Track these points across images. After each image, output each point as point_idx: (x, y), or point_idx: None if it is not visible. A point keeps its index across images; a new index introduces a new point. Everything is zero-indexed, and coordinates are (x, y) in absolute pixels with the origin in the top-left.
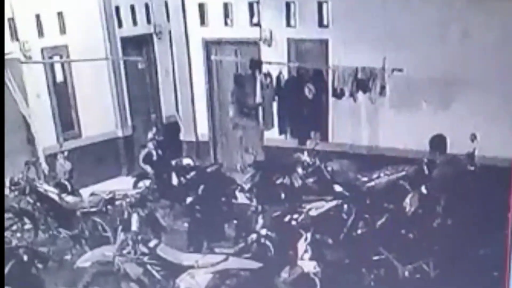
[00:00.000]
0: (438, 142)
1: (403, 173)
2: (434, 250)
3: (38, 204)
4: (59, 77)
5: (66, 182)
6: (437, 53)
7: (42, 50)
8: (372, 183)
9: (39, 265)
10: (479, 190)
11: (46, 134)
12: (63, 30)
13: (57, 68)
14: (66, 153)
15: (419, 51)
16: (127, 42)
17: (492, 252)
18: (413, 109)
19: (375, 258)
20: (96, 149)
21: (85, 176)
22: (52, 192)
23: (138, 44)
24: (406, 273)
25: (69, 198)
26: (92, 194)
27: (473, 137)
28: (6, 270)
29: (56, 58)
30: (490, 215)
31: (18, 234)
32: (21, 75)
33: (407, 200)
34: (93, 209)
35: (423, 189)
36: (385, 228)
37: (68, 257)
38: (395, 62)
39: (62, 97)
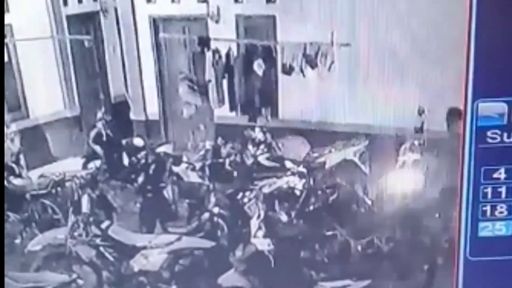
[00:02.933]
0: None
1: (354, 148)
2: (386, 224)
3: None
4: (4, 57)
5: (14, 165)
6: (385, 28)
7: None
8: (323, 159)
9: None
10: (427, 163)
11: None
12: (6, 9)
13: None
14: (12, 135)
15: (367, 25)
16: (73, 20)
17: (442, 223)
18: (361, 83)
19: (328, 233)
20: (44, 130)
21: (33, 158)
22: None
23: (84, 22)
24: (359, 248)
25: (17, 181)
26: (41, 176)
27: (421, 111)
28: None
29: None
30: (440, 187)
31: None
32: None
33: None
34: (43, 192)
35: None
36: (337, 203)
37: (18, 241)
38: (342, 37)
39: (8, 78)
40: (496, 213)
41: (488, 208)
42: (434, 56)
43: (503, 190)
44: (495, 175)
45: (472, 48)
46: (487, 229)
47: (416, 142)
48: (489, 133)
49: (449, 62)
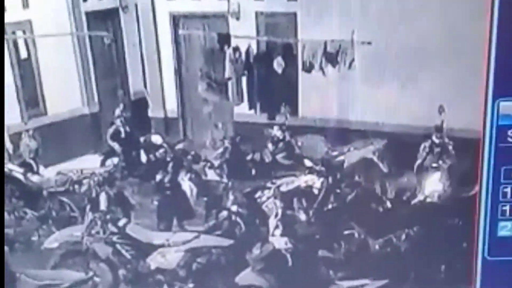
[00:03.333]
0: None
1: (372, 147)
2: (404, 223)
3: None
4: (23, 54)
5: (32, 161)
6: (405, 26)
7: (4, 25)
8: (342, 157)
9: (5, 248)
10: (447, 161)
11: (10, 112)
12: (26, 5)
13: (21, 44)
14: (31, 132)
15: (388, 24)
16: (92, 16)
17: (461, 223)
18: (382, 82)
19: (346, 232)
20: (62, 127)
21: (51, 155)
22: (17, 171)
23: (104, 19)
24: (377, 247)
25: (35, 178)
26: (58, 173)
27: (441, 109)
28: None
29: (19, 33)
30: (459, 186)
31: None
32: None
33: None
34: (60, 189)
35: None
36: (355, 202)
37: (35, 238)
38: (364, 35)
39: (26, 74)
40: None
41: (507, 207)
42: (455, 54)
43: None
44: None
45: (493, 47)
46: (506, 229)
47: (436, 141)
48: (509, 132)
49: (470, 61)
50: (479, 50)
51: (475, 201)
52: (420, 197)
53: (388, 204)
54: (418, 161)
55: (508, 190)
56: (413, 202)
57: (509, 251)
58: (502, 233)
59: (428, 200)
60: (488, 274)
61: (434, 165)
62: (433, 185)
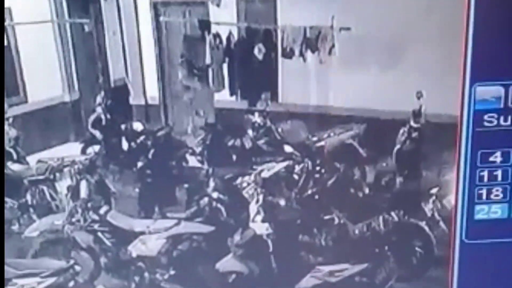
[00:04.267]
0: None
1: (352, 132)
2: (383, 207)
3: None
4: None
5: (12, 150)
6: (384, 12)
7: None
8: (322, 143)
9: None
10: (425, 146)
11: None
12: None
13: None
14: (11, 120)
15: (367, 10)
16: (72, 3)
17: (440, 207)
18: (361, 67)
19: (326, 217)
20: (42, 114)
21: (31, 143)
22: None
23: (84, 6)
24: (357, 231)
25: (15, 166)
26: (39, 162)
27: (419, 95)
28: None
29: None
30: (437, 170)
31: None
32: None
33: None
34: (41, 177)
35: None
36: (335, 187)
37: (15, 227)
38: (343, 21)
39: (7, 62)
40: (492, 196)
41: (484, 191)
42: (433, 40)
43: (499, 173)
44: (491, 159)
45: (470, 32)
46: (482, 212)
47: (414, 125)
48: (486, 117)
49: (447, 47)
50: (456, 35)
51: (453, 185)
52: (399, 181)
53: (368, 189)
54: (397, 146)
55: (485, 174)
56: (392, 186)
57: (486, 234)
58: (479, 216)
59: (407, 184)
60: (466, 257)
61: (412, 149)
62: (412, 169)
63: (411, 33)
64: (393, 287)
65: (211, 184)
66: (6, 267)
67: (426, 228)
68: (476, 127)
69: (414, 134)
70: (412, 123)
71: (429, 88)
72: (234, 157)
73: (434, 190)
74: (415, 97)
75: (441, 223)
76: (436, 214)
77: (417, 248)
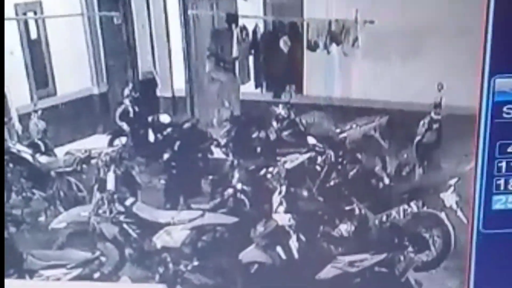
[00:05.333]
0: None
1: (374, 123)
2: (403, 198)
3: (11, 165)
4: (33, 34)
5: (40, 142)
6: (407, 5)
7: (15, 6)
8: (345, 134)
9: (12, 229)
10: (445, 138)
11: (19, 93)
12: None
13: (31, 24)
14: (40, 112)
15: (390, 3)
16: None
17: (458, 198)
18: (384, 60)
19: (348, 208)
20: (71, 107)
21: (60, 135)
22: (26, 152)
23: None
24: (377, 222)
25: (43, 158)
26: (67, 154)
27: (440, 87)
28: None
29: (30, 14)
30: (457, 161)
31: None
32: None
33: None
34: (68, 169)
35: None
36: (356, 178)
37: (42, 218)
38: (367, 14)
39: (37, 55)
40: (510, 186)
41: (502, 181)
42: (454, 32)
43: None
44: (509, 149)
45: (490, 24)
46: (500, 202)
47: (435, 117)
48: (505, 108)
49: (467, 39)
50: (476, 28)
51: (471, 175)
52: (419, 172)
53: (389, 180)
54: (418, 137)
55: (503, 164)
56: (412, 177)
57: (504, 224)
58: (496, 206)
59: (427, 174)
60: (484, 247)
61: (433, 140)
62: (432, 160)
63: (433, 26)
64: (412, 277)
65: (236, 175)
66: (32, 259)
67: (445, 219)
68: (495, 119)
69: (435, 126)
70: (432, 114)
71: (450, 80)
72: (259, 148)
73: (453, 181)
74: (436, 88)
75: (459, 213)
76: (454, 205)
77: (435, 238)
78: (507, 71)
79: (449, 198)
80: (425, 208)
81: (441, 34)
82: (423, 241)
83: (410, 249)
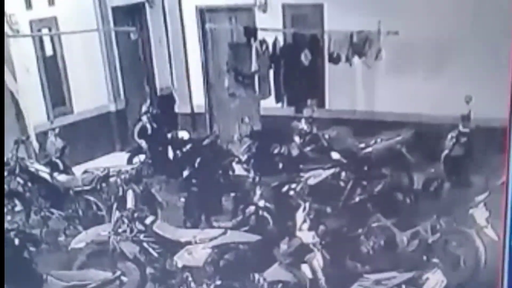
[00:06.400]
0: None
1: (400, 138)
2: (431, 214)
3: (29, 184)
4: (49, 51)
5: (58, 161)
6: (432, 16)
7: (30, 23)
8: (369, 149)
9: (32, 249)
10: (474, 151)
11: (36, 110)
12: (51, 1)
13: (47, 41)
14: (57, 130)
15: (414, 14)
16: (118, 12)
17: (489, 215)
18: (409, 72)
19: (374, 225)
20: (88, 124)
21: (77, 154)
22: (44, 171)
23: (130, 14)
24: (404, 239)
25: (62, 177)
26: (85, 172)
27: (468, 99)
28: None
29: (45, 31)
30: (486, 175)
31: (9, 217)
32: (8, 50)
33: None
34: (87, 188)
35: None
36: (383, 194)
37: (61, 238)
38: (390, 25)
39: (52, 72)
40: None
41: None
42: (481, 44)
43: None
44: None
45: None
46: None
47: (463, 130)
48: None
49: (496, 50)
50: (505, 39)
51: (504, 189)
52: (447, 187)
53: (416, 195)
54: (445, 151)
55: None
56: (440, 192)
57: None
58: None
59: (456, 190)
60: None
61: (462, 154)
62: (461, 175)
63: (459, 37)
64: None
65: (258, 192)
66: (53, 279)
67: (475, 235)
68: None
69: (463, 139)
70: (460, 127)
71: (478, 92)
72: (281, 164)
73: (482, 196)
74: (464, 101)
75: (490, 230)
76: (485, 221)
77: (465, 256)
78: None
79: (479, 214)
80: (454, 225)
81: (468, 45)
82: (453, 258)
83: (439, 266)
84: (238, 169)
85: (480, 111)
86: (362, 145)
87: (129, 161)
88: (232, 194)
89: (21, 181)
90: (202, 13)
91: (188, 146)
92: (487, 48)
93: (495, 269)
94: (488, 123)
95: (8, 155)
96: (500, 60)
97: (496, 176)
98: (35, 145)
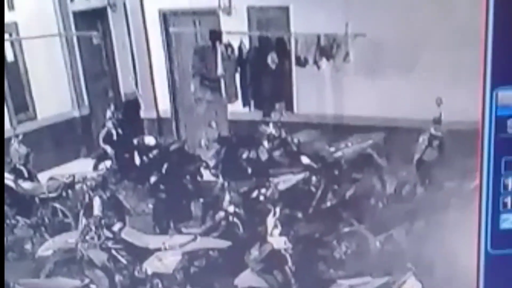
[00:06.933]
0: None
1: (371, 141)
2: (405, 218)
3: None
4: (10, 57)
5: (22, 167)
6: (400, 17)
7: None
8: (340, 153)
9: None
10: (447, 154)
11: None
12: (11, 6)
13: (7, 47)
14: (20, 137)
15: (382, 15)
16: (80, 16)
17: (463, 217)
18: (378, 75)
19: (346, 230)
20: (52, 131)
21: (42, 160)
22: (8, 178)
23: (92, 18)
24: (378, 243)
25: (26, 184)
26: (50, 179)
27: (439, 101)
28: None
29: (5, 36)
30: (459, 179)
31: None
32: None
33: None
34: (52, 195)
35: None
36: (354, 199)
37: (28, 246)
38: (357, 27)
39: (14, 78)
40: None
41: (509, 199)
42: (450, 45)
43: None
44: None
45: (490, 36)
46: (508, 221)
47: (435, 133)
48: (509, 122)
49: (465, 51)
50: (474, 39)
51: (476, 193)
52: (419, 190)
53: (388, 199)
54: (417, 155)
55: (509, 181)
56: (413, 195)
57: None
58: (504, 225)
59: (428, 193)
60: (491, 268)
61: (433, 157)
62: (433, 178)
63: (428, 38)
64: None
65: (227, 198)
66: None
67: (450, 239)
68: (499, 133)
69: (435, 142)
70: (432, 130)
71: (449, 94)
72: (250, 169)
73: (456, 199)
74: (435, 103)
75: (465, 234)
76: (459, 225)
77: (440, 260)
78: (510, 83)
79: (452, 217)
80: (428, 229)
81: (437, 46)
82: (427, 262)
83: (414, 271)
84: (207, 175)
85: (451, 114)
86: (333, 149)
87: (95, 167)
88: (201, 200)
89: None
90: (166, 17)
91: (155, 152)
92: (458, 48)
93: (471, 272)
94: (460, 125)
95: None
96: (470, 61)
97: (470, 179)
98: None
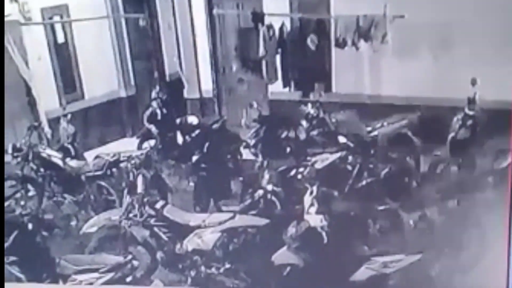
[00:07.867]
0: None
1: (406, 121)
2: (438, 197)
3: (42, 170)
4: (60, 38)
5: (70, 146)
6: None
7: (42, 11)
8: (376, 133)
9: (44, 233)
10: (480, 134)
11: (48, 97)
12: None
13: (58, 28)
14: (69, 116)
15: None
16: None
17: (495, 195)
18: (414, 55)
19: (380, 208)
20: (99, 110)
21: (89, 139)
22: (56, 156)
23: (139, 1)
24: (411, 222)
25: (73, 162)
26: (96, 157)
27: (474, 82)
28: (10, 240)
29: (57, 18)
30: (492, 158)
31: (22, 202)
32: (21, 38)
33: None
34: (98, 173)
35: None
36: (389, 177)
37: (73, 223)
38: (396, 8)
39: (64, 59)
40: None
41: None
42: (487, 26)
43: None
44: None
45: None
46: None
47: (469, 113)
48: None
49: (501, 32)
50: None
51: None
52: (454, 170)
53: (422, 178)
54: (451, 134)
55: None
56: (447, 175)
57: None
58: None
59: (463, 173)
60: None
61: (468, 137)
62: (467, 157)
63: (465, 20)
64: (449, 278)
65: (266, 176)
66: (65, 263)
67: (483, 217)
68: None
69: (469, 122)
70: (466, 110)
71: (484, 74)
72: (288, 149)
73: (489, 179)
74: (469, 83)
75: (497, 213)
76: (492, 203)
77: (473, 240)
78: None
79: (486, 196)
80: (461, 207)
81: (474, 27)
82: (460, 241)
83: (447, 249)
84: (246, 154)
85: (486, 94)
86: (369, 129)
87: (139, 147)
88: (241, 179)
89: (34, 167)
90: None
91: (197, 131)
92: (493, 29)
93: (502, 251)
94: (494, 105)
95: (21, 141)
96: (506, 42)
97: (503, 158)
98: (47, 131)
